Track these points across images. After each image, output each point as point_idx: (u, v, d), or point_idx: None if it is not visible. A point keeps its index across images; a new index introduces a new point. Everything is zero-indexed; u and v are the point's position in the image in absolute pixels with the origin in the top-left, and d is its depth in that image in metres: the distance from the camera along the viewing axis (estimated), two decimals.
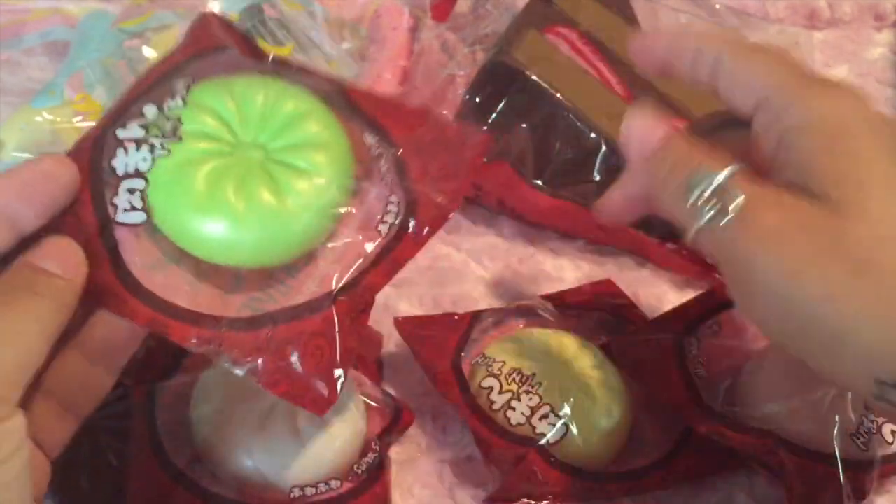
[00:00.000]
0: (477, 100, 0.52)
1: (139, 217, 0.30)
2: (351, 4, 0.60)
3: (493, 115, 0.50)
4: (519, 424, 0.39)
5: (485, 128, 0.32)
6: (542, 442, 0.38)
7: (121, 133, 0.31)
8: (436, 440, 0.43)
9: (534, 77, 0.49)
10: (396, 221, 0.31)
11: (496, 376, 0.40)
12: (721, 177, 0.27)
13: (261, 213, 0.30)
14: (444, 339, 0.42)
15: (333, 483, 0.37)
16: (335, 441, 0.37)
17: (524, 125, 0.49)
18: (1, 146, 0.51)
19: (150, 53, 0.54)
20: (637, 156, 0.31)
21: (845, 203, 0.25)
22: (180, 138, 0.31)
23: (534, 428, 0.39)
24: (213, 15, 0.33)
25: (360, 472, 0.37)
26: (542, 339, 0.43)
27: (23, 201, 0.27)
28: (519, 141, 0.49)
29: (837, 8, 0.63)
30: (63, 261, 0.27)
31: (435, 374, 0.41)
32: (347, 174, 0.32)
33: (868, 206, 0.25)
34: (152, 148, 0.31)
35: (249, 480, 0.36)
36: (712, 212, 0.27)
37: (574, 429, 0.39)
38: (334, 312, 0.30)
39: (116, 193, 0.31)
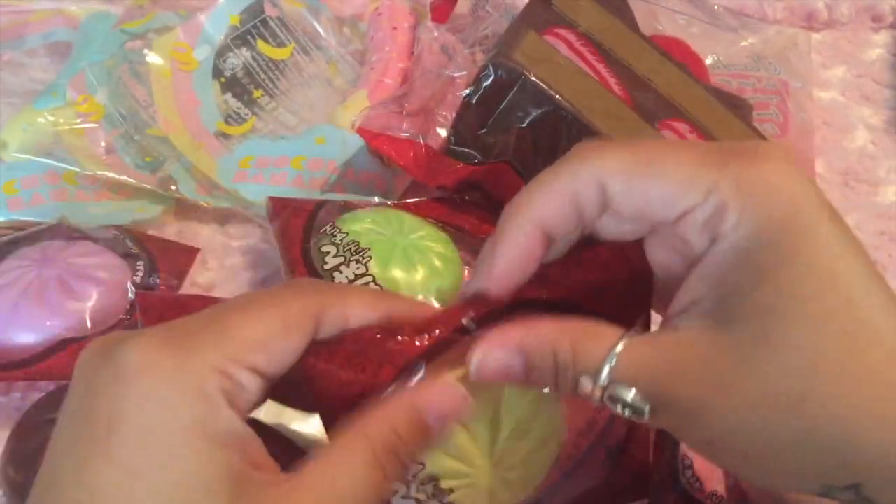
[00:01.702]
0: (476, 101, 0.52)
1: None
2: (351, 1, 0.60)
3: (493, 116, 0.50)
4: None
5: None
6: None
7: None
8: None
9: (533, 78, 0.50)
10: None
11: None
12: (603, 379, 0.24)
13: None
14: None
15: None
16: None
17: (523, 126, 0.50)
18: (3, 147, 0.51)
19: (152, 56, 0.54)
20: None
21: (764, 336, 0.23)
22: None
23: None
24: None
25: None
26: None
27: None
28: (519, 141, 0.49)
29: (835, 9, 0.63)
30: (445, 421, 0.26)
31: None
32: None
33: (790, 337, 0.23)
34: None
35: None
36: (622, 409, 0.25)
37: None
38: None
39: None
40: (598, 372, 0.25)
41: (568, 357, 0.25)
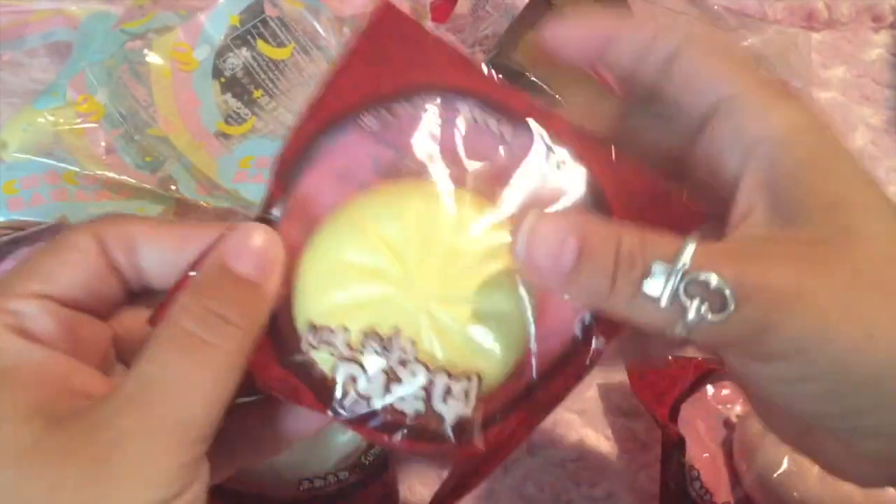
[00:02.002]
0: None
1: None
2: (351, 1, 0.60)
3: None
4: None
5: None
6: None
7: None
8: None
9: (533, 78, 0.50)
10: None
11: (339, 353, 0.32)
12: (682, 263, 0.22)
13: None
14: None
15: (341, 475, 0.37)
16: (344, 433, 0.38)
17: None
18: (3, 147, 0.51)
19: (152, 56, 0.54)
20: (551, 275, 0.23)
21: (845, 228, 0.23)
22: None
23: None
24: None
25: (366, 463, 0.38)
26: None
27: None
28: None
29: (835, 9, 0.63)
30: (258, 264, 0.25)
31: None
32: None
33: (873, 227, 0.23)
34: None
35: (261, 473, 0.37)
36: (699, 305, 0.22)
37: None
38: None
39: None
40: (676, 255, 0.22)
41: (635, 244, 0.22)
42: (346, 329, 0.26)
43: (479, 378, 0.26)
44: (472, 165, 0.27)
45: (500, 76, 0.27)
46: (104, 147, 0.52)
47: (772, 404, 0.26)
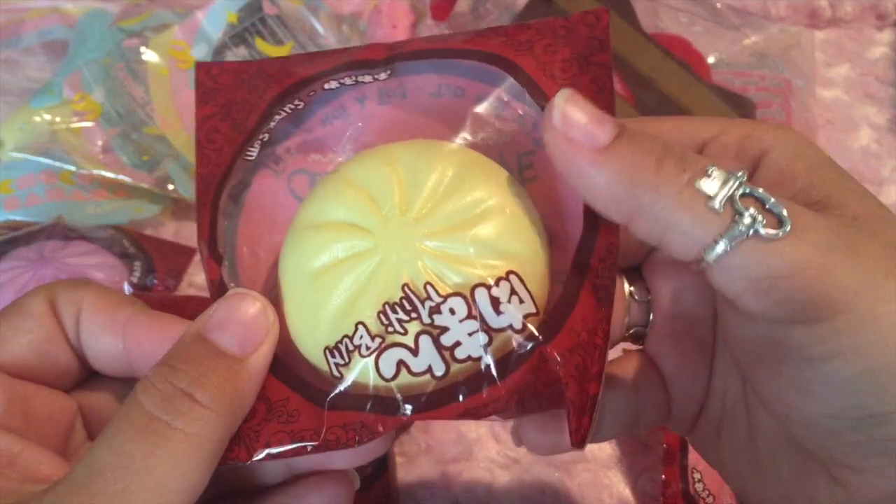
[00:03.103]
0: None
1: None
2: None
3: None
4: None
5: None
6: None
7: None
8: (436, 440, 0.43)
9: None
10: None
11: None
12: (741, 173, 0.21)
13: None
14: None
15: None
16: None
17: None
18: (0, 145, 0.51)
19: (149, 55, 0.54)
20: (584, 147, 0.21)
21: (875, 213, 0.22)
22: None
23: None
24: None
25: (366, 464, 0.38)
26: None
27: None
28: None
29: (839, 7, 0.63)
30: (243, 337, 0.22)
31: None
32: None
33: (892, 231, 0.22)
34: None
35: None
36: (755, 213, 0.20)
37: None
38: None
39: None
40: (734, 169, 0.21)
41: (687, 148, 0.21)
42: (361, 324, 0.23)
43: (516, 274, 0.23)
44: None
45: None
46: (101, 146, 0.51)
47: (759, 456, 0.24)
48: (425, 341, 0.23)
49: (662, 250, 0.22)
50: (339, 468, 0.26)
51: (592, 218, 0.23)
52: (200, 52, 0.55)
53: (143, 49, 0.54)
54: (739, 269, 0.20)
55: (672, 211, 0.21)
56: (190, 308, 0.44)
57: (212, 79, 0.26)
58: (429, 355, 0.23)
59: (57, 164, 0.49)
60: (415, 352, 0.23)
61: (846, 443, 0.22)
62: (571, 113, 0.21)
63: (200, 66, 0.27)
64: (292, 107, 0.26)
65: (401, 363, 0.23)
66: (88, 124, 0.51)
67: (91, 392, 0.25)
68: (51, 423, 0.24)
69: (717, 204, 0.20)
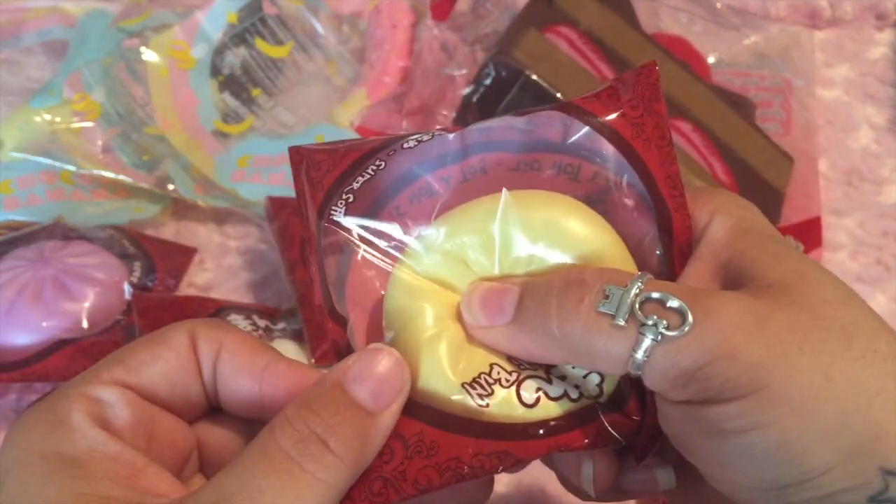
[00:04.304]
0: (477, 99, 0.52)
1: None
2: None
3: (494, 115, 0.50)
4: None
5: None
6: None
7: None
8: None
9: (534, 77, 0.49)
10: None
11: None
12: (637, 287, 0.22)
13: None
14: None
15: None
16: None
17: None
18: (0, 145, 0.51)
19: (149, 54, 0.54)
20: (496, 325, 0.25)
21: (797, 273, 0.23)
22: None
23: None
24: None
25: None
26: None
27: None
28: None
29: (839, 7, 0.63)
30: (379, 392, 0.23)
31: None
32: None
33: (819, 274, 0.23)
34: None
35: None
36: (657, 321, 0.22)
37: None
38: None
39: None
40: (630, 282, 0.22)
41: (585, 272, 0.24)
42: (495, 364, 0.25)
43: None
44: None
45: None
46: (101, 146, 0.51)
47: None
48: (555, 378, 0.25)
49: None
50: None
51: (669, 247, 0.26)
52: (200, 52, 0.56)
53: (143, 49, 0.54)
54: (659, 371, 0.22)
55: (586, 340, 0.23)
56: (190, 308, 0.45)
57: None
58: (562, 384, 0.25)
59: (57, 164, 0.49)
60: (549, 381, 0.25)
61: None
62: (474, 308, 0.25)
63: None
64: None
65: (539, 389, 0.25)
66: (88, 124, 0.51)
67: (211, 426, 0.26)
68: (171, 449, 0.25)
69: (620, 321, 0.22)
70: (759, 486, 0.22)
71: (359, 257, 0.27)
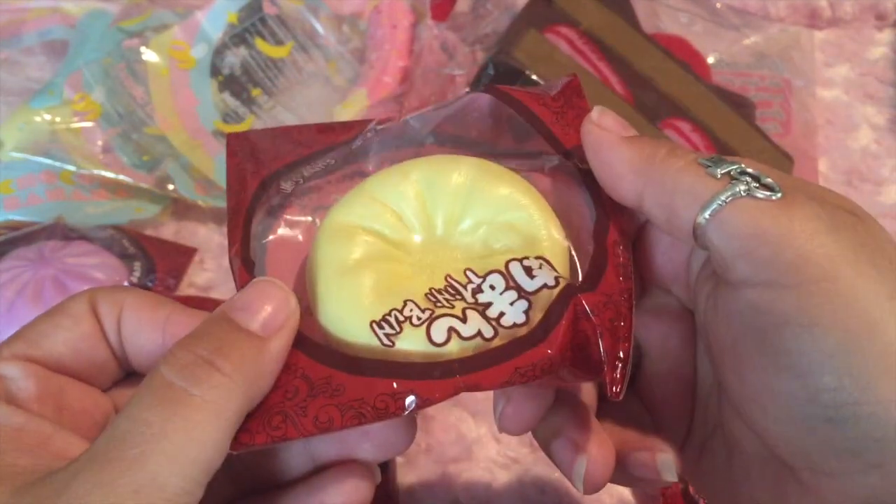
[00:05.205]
0: None
1: None
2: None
3: None
4: None
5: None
6: None
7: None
8: (436, 440, 0.43)
9: (534, 77, 0.49)
10: None
11: None
12: (739, 164, 0.24)
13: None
14: None
15: None
16: None
17: None
18: None
19: (149, 55, 0.54)
20: (612, 138, 0.26)
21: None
22: None
23: None
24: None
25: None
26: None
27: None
28: None
29: (838, 7, 0.63)
30: (265, 318, 0.23)
31: None
32: None
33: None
34: None
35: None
36: (750, 180, 0.23)
37: None
38: None
39: None
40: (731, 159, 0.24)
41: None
42: (410, 301, 0.25)
43: (544, 258, 0.25)
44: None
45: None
46: (101, 146, 0.51)
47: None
48: (472, 313, 0.24)
49: (666, 224, 0.25)
50: (365, 458, 0.27)
51: (604, 207, 0.26)
52: (200, 52, 0.56)
53: (143, 49, 0.54)
54: (732, 225, 0.23)
55: (677, 175, 0.24)
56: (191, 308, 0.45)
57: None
58: (477, 322, 0.24)
59: (57, 164, 0.49)
60: (463, 320, 0.24)
61: (818, 441, 0.22)
62: (606, 115, 0.26)
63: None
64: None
65: (451, 329, 0.24)
66: (88, 124, 0.51)
67: (127, 390, 0.26)
68: (84, 416, 0.25)
69: (717, 173, 0.23)
70: (814, 399, 0.21)
71: (284, 217, 0.28)
